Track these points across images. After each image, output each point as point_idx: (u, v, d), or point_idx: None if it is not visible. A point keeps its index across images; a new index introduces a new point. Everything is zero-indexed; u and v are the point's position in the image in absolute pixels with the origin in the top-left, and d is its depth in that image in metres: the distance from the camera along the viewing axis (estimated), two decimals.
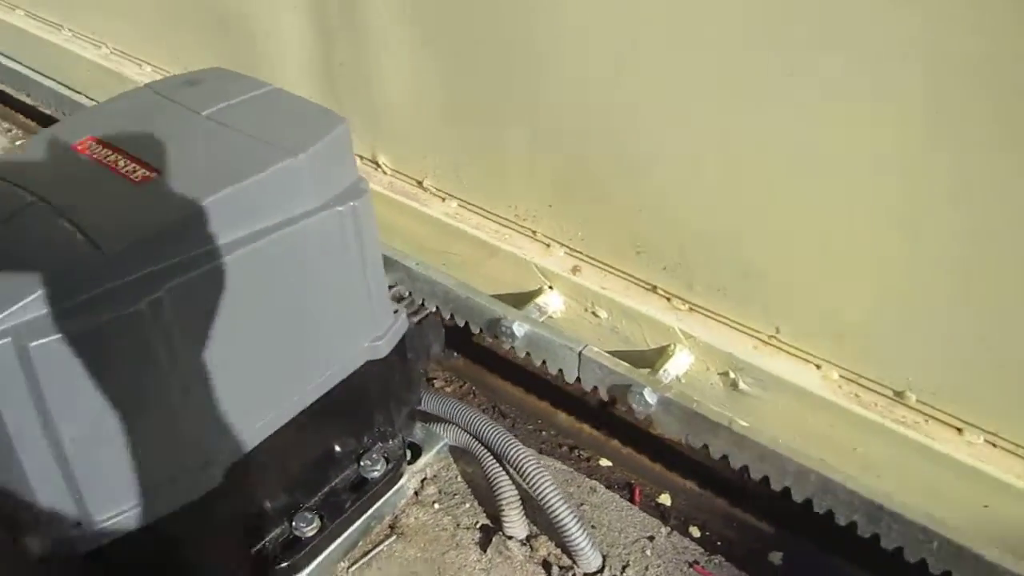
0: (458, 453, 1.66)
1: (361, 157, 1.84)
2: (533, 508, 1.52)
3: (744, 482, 1.45)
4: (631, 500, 1.63)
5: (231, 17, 1.94)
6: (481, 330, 1.59)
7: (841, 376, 1.32)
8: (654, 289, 1.50)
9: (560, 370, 1.52)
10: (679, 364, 1.45)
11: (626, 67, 1.33)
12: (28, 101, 2.80)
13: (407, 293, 1.65)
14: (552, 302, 1.60)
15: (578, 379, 1.50)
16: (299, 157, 1.20)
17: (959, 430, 1.23)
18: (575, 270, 1.57)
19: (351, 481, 1.51)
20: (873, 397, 1.29)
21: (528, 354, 1.55)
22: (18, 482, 1.09)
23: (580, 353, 1.47)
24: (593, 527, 1.54)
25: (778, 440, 1.31)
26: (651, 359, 1.49)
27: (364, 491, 1.50)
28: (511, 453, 1.53)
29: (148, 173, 1.16)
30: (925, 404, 1.25)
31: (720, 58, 1.22)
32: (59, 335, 1.00)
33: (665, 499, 1.65)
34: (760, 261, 1.33)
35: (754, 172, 1.26)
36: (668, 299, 1.48)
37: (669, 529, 1.55)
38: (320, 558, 1.45)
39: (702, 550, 1.52)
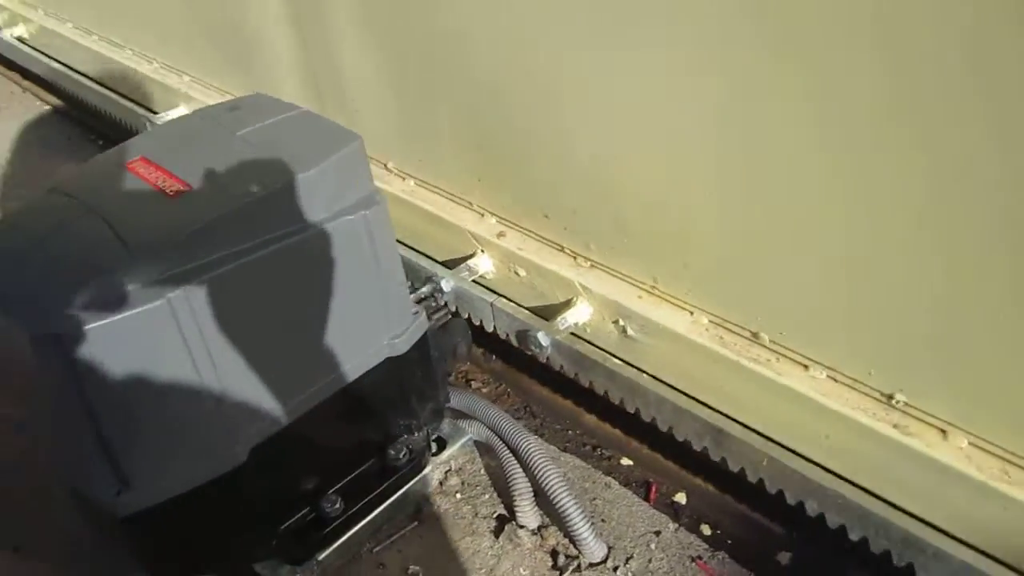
0: (483, 448, 1.78)
1: None
2: (547, 502, 1.61)
3: (762, 486, 1.51)
4: (646, 498, 1.69)
5: (240, 34, 2.28)
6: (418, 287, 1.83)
7: (709, 321, 1.48)
8: (562, 249, 1.71)
9: (481, 320, 1.81)
10: (581, 314, 1.65)
11: (514, 64, 1.56)
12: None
13: (431, 295, 1.78)
14: (483, 264, 1.84)
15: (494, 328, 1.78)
16: (310, 172, 1.35)
17: (805, 367, 1.36)
18: (500, 235, 1.80)
19: (377, 468, 1.64)
20: (734, 338, 1.44)
21: (457, 309, 1.77)
22: (72, 449, 1.28)
23: (492, 304, 1.76)
24: (602, 520, 1.62)
25: (642, 375, 1.55)
26: (559, 311, 1.68)
27: (388, 477, 1.63)
28: (523, 446, 1.63)
29: (181, 188, 1.33)
30: (776, 344, 1.39)
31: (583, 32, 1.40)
32: (93, 325, 1.18)
33: (680, 498, 1.71)
34: (633, 219, 1.52)
35: (619, 143, 1.46)
36: (573, 257, 1.69)
37: (677, 525, 1.62)
38: (344, 538, 1.58)
39: (707, 546, 1.58)
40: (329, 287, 1.42)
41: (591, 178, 1.54)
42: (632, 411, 1.57)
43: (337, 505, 1.57)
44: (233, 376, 1.34)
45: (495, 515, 1.66)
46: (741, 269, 1.38)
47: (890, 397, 1.27)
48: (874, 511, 1.28)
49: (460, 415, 1.80)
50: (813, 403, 1.32)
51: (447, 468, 1.74)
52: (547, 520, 1.63)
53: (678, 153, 1.37)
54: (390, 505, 1.65)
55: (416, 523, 1.65)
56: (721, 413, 1.48)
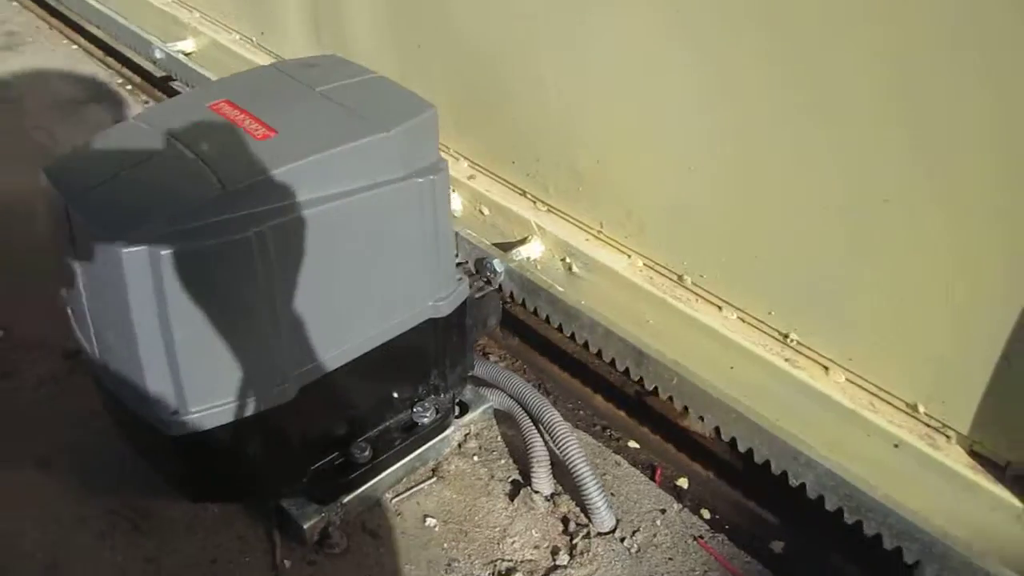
0: (501, 417, 1.87)
1: None
2: (561, 472, 1.71)
3: (759, 477, 1.63)
4: (652, 479, 1.79)
5: None
6: None
7: (643, 264, 1.72)
8: (524, 193, 1.93)
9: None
10: (534, 250, 1.89)
11: (491, 20, 1.81)
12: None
13: (474, 270, 1.87)
14: (454, 201, 2.02)
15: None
16: (391, 132, 1.43)
17: (719, 308, 1.60)
18: (471, 177, 2.02)
19: (403, 423, 1.72)
20: (662, 280, 1.69)
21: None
22: (136, 370, 1.34)
23: (457, 233, 1.91)
24: (612, 494, 1.72)
25: (580, 302, 1.76)
26: (515, 246, 1.91)
27: (413, 433, 1.71)
28: (546, 417, 1.72)
29: (268, 132, 1.40)
30: (696, 286, 1.64)
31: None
32: (184, 248, 1.25)
33: (683, 482, 1.81)
34: (588, 169, 1.75)
35: (584, 97, 1.69)
36: (533, 201, 1.92)
37: (681, 506, 1.72)
38: (368, 484, 1.66)
39: (707, 528, 1.68)
40: (391, 243, 1.50)
41: (557, 129, 1.78)
42: (569, 334, 1.79)
43: (366, 453, 1.64)
44: (295, 316, 1.41)
45: (510, 479, 1.75)
46: (672, 220, 1.63)
47: (785, 336, 1.51)
48: (761, 425, 1.49)
49: (481, 384, 1.89)
50: (723, 337, 1.56)
51: (467, 431, 1.83)
52: (560, 488, 1.72)
53: (630, 112, 1.61)
54: (413, 459, 1.73)
55: (435, 479, 1.73)
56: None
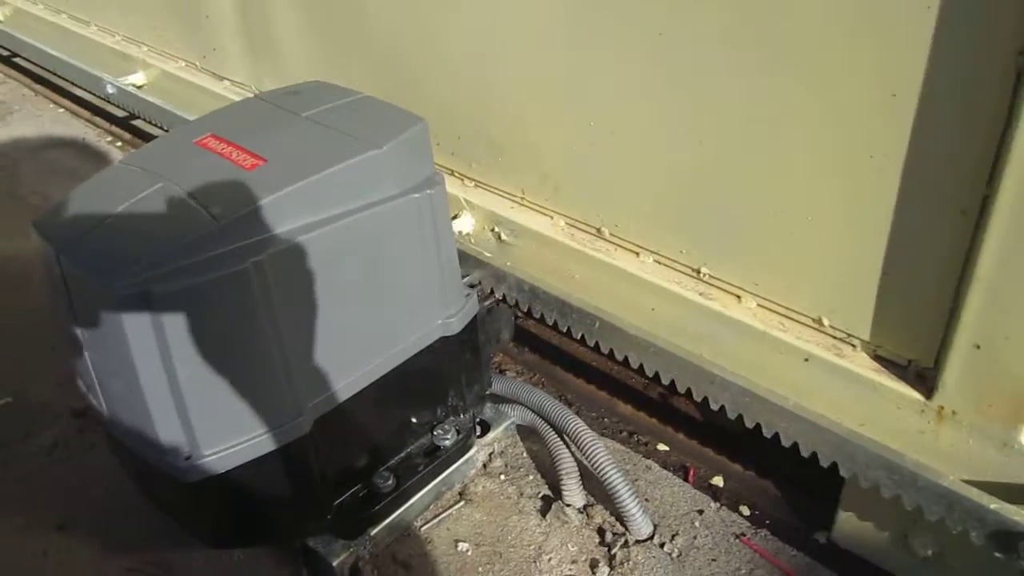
0: (524, 432, 1.82)
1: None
2: (592, 482, 1.66)
3: (797, 467, 1.57)
4: (685, 480, 1.74)
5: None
6: None
7: (566, 223, 1.81)
8: (452, 172, 2.00)
9: None
10: (465, 224, 1.95)
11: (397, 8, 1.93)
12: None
13: (479, 282, 1.83)
14: None
15: None
16: (383, 149, 1.40)
17: (637, 254, 1.70)
18: None
19: (425, 448, 1.68)
20: (583, 235, 1.78)
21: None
22: (144, 417, 1.30)
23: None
24: (646, 500, 1.67)
25: (505, 264, 1.83)
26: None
27: (436, 457, 1.66)
28: (570, 427, 1.67)
29: (256, 161, 1.37)
30: (614, 236, 1.72)
31: None
32: (179, 287, 1.21)
33: (718, 481, 1.76)
34: (502, 137, 1.83)
35: (481, 70, 1.80)
36: (460, 179, 1.99)
37: (718, 505, 1.67)
38: (395, 514, 1.61)
39: (749, 524, 1.63)
40: (393, 263, 1.46)
41: (472, 105, 1.86)
42: (501, 296, 1.84)
43: (389, 482, 1.60)
44: (299, 347, 1.37)
45: (540, 495, 1.70)
46: (584, 176, 1.72)
47: (698, 271, 1.61)
48: (677, 355, 1.58)
49: (500, 401, 1.84)
50: (642, 281, 1.66)
51: (491, 450, 1.78)
52: (592, 499, 1.67)
53: (531, 74, 1.71)
54: (438, 483, 1.68)
55: (463, 502, 1.68)
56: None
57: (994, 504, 1.26)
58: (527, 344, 2.13)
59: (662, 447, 1.85)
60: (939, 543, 1.44)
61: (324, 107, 1.53)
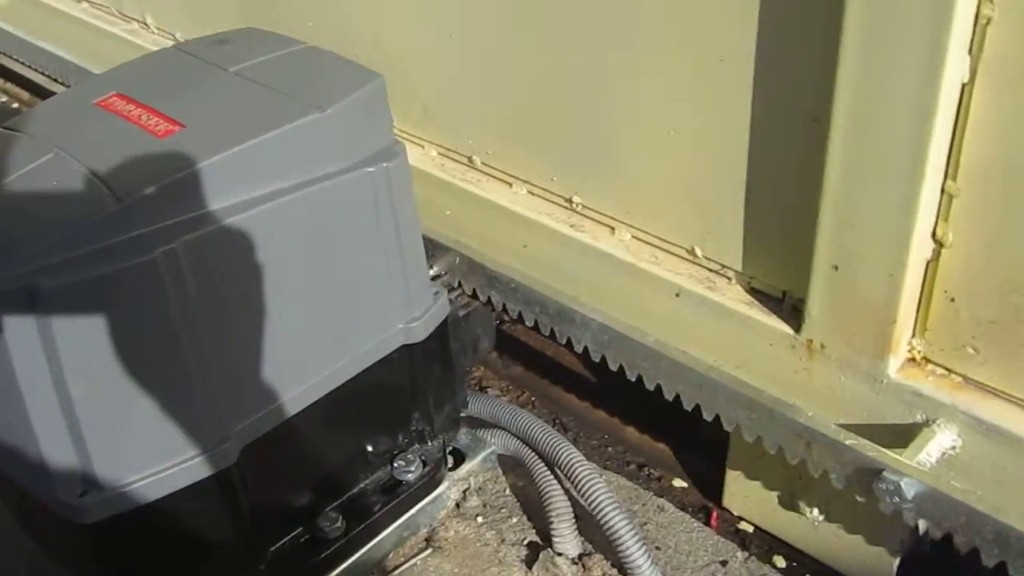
0: (508, 464, 1.83)
1: None
2: (590, 526, 1.67)
3: None
4: (707, 523, 1.76)
5: None
6: None
7: (438, 153, 2.02)
8: None
9: None
10: None
11: None
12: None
13: (456, 283, 1.84)
14: None
15: None
16: (326, 112, 1.41)
17: (509, 184, 1.91)
18: None
19: (382, 483, 1.69)
20: (454, 165, 1.99)
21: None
22: (29, 441, 1.31)
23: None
24: (656, 548, 1.68)
25: None
26: None
27: (396, 495, 1.67)
28: (563, 458, 1.68)
29: (171, 127, 1.38)
30: (486, 165, 1.94)
31: None
32: (73, 281, 1.22)
33: (747, 525, 1.77)
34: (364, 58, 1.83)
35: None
36: None
37: (747, 555, 1.68)
38: (345, 564, 1.62)
39: None
40: (340, 253, 1.47)
41: (340, 38, 1.97)
42: None
43: (337, 524, 1.61)
44: (224, 356, 1.38)
45: (525, 541, 1.71)
46: (454, 103, 1.93)
47: (570, 201, 1.81)
48: (535, 289, 1.80)
49: (478, 425, 1.86)
50: (513, 215, 1.86)
51: (466, 486, 1.80)
52: (590, 547, 1.68)
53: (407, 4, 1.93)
54: (399, 527, 1.69)
55: (430, 550, 1.70)
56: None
57: (849, 440, 1.43)
58: (512, 353, 2.14)
59: (679, 483, 1.87)
60: (825, 503, 1.64)
61: (257, 59, 1.54)
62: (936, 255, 1.35)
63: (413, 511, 1.71)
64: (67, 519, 1.34)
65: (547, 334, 1.79)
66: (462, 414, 1.81)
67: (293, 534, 1.60)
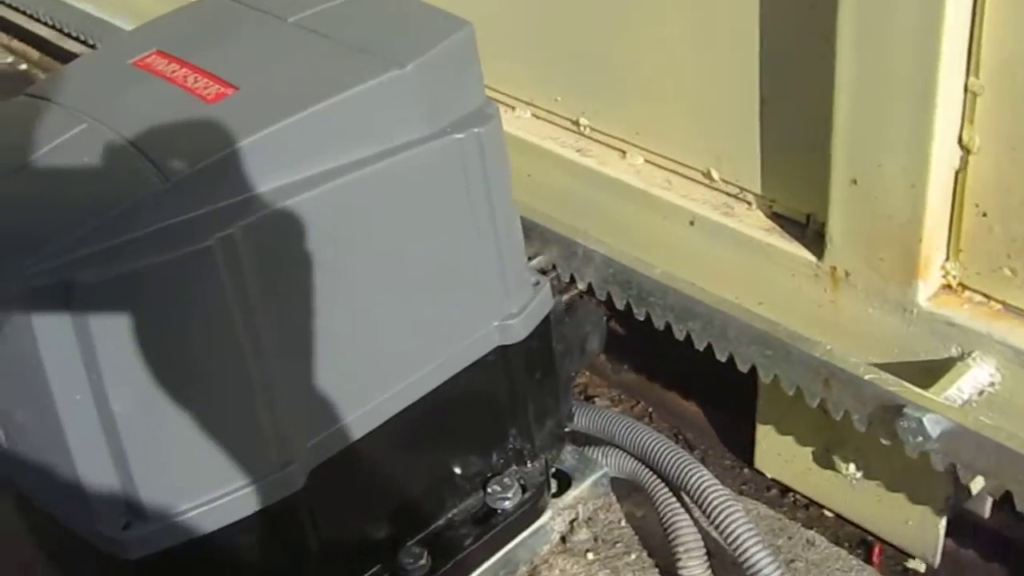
0: (624, 489, 1.82)
1: None
2: (724, 563, 1.65)
3: None
4: (867, 560, 1.73)
5: None
6: None
7: None
8: None
9: None
10: None
11: None
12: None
13: (552, 267, 1.83)
14: None
15: None
16: (407, 68, 1.40)
17: (513, 108, 2.07)
18: None
19: (474, 512, 1.69)
20: None
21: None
22: (65, 466, 1.32)
23: None
24: None
25: None
26: None
27: (491, 526, 1.67)
28: (692, 481, 1.66)
29: (223, 89, 1.38)
30: (491, 88, 1.94)
31: None
32: (114, 275, 1.22)
33: (918, 564, 1.73)
34: None
35: None
36: None
37: None
38: None
39: None
40: (425, 237, 1.46)
41: None
42: None
43: (422, 561, 1.60)
44: (288, 363, 1.39)
45: None
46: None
47: (576, 123, 1.95)
48: (535, 220, 1.88)
49: (587, 442, 1.85)
50: (518, 141, 1.97)
51: (573, 516, 1.79)
52: None
53: None
54: (495, 564, 1.69)
55: None
56: None
57: (869, 374, 1.49)
58: (623, 355, 2.12)
59: (830, 513, 1.82)
60: (864, 458, 1.72)
61: (319, 7, 1.53)
62: (964, 163, 1.40)
63: (511, 545, 1.71)
64: (108, 555, 1.36)
65: (545, 267, 1.89)
66: (567, 429, 1.80)
67: (370, 573, 1.61)
